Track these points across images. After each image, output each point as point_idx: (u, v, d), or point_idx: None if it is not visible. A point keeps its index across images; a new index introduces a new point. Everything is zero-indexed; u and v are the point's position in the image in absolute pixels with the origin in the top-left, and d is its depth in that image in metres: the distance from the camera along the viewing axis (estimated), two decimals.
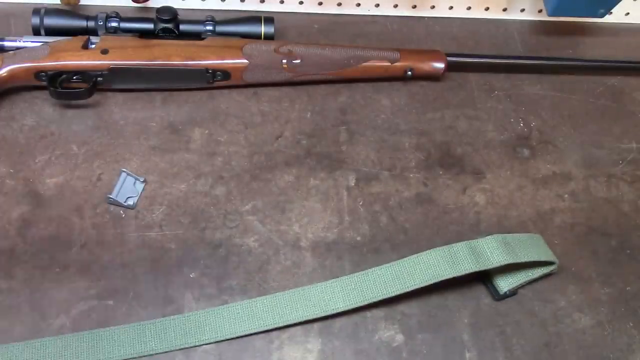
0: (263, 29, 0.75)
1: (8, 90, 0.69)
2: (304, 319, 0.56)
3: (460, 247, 0.58)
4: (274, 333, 0.56)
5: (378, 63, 0.75)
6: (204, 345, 0.55)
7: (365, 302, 0.57)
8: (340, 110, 0.74)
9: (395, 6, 0.86)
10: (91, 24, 0.72)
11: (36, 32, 0.71)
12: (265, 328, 0.56)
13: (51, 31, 0.71)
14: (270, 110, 0.73)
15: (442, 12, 0.87)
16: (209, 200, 0.64)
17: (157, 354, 0.54)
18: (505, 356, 0.57)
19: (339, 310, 0.57)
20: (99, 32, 0.72)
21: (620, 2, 0.79)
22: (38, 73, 0.68)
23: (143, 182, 0.65)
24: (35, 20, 0.71)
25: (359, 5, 0.86)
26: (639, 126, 0.78)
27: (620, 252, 0.66)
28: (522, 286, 0.61)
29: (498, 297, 0.60)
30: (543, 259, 0.60)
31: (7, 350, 0.52)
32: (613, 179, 0.72)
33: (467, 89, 0.79)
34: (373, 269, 0.58)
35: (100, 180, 0.65)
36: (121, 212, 0.63)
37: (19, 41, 0.70)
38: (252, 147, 0.69)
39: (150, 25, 0.72)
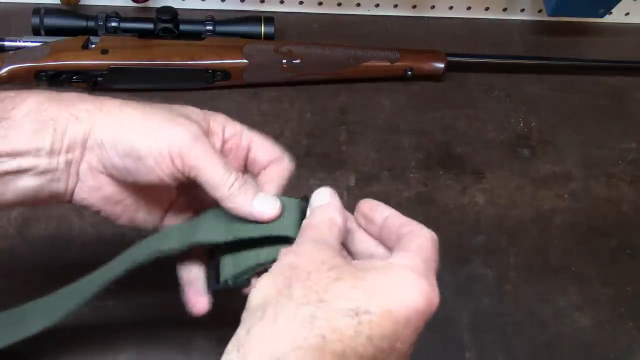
0: (263, 29, 0.75)
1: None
2: None
3: None
4: None
5: (378, 63, 0.75)
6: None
7: None
8: (340, 110, 0.74)
9: (395, 6, 0.86)
10: (91, 24, 0.72)
11: (36, 32, 0.71)
12: None
13: (51, 31, 0.71)
14: (270, 110, 0.73)
15: (442, 12, 0.87)
16: None
17: None
18: (505, 356, 0.57)
19: None
20: (99, 32, 0.72)
21: (620, 2, 0.79)
22: (38, 73, 0.68)
23: None
24: (35, 20, 0.71)
25: (359, 5, 0.86)
26: (639, 126, 0.78)
27: (620, 252, 0.66)
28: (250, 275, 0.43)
29: (215, 287, 0.43)
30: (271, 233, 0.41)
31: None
32: (613, 179, 0.72)
33: (467, 89, 0.79)
34: None
35: None
36: None
37: (19, 41, 0.70)
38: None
39: (150, 25, 0.72)
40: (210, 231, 0.42)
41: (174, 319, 0.56)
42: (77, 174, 0.41)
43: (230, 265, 0.42)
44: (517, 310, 0.60)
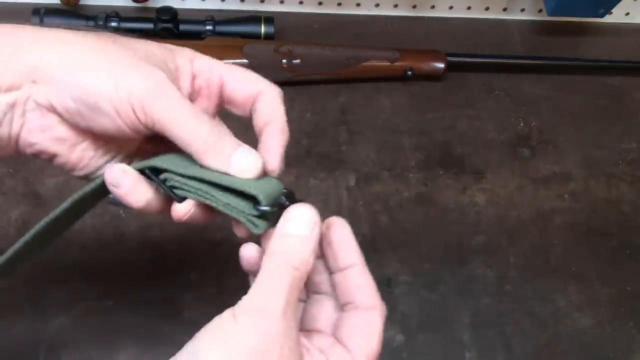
0: (263, 29, 0.75)
1: None
2: None
3: None
4: None
5: (378, 63, 0.75)
6: None
7: None
8: (340, 110, 0.74)
9: (395, 6, 0.86)
10: (91, 24, 0.72)
11: None
12: None
13: None
14: None
15: (442, 12, 0.87)
16: None
17: None
18: (505, 356, 0.57)
19: None
20: None
21: (620, 2, 0.79)
22: None
23: None
24: (35, 20, 0.71)
25: (359, 5, 0.86)
26: (639, 126, 0.78)
27: (620, 252, 0.66)
28: None
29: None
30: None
31: None
32: (613, 179, 0.72)
33: (467, 89, 0.79)
34: None
35: None
36: (121, 212, 0.62)
37: None
38: (252, 147, 0.69)
39: (150, 25, 0.72)
40: (168, 163, 0.37)
41: (174, 318, 0.56)
42: (23, 115, 0.35)
43: (178, 176, 0.37)
44: (517, 310, 0.60)
